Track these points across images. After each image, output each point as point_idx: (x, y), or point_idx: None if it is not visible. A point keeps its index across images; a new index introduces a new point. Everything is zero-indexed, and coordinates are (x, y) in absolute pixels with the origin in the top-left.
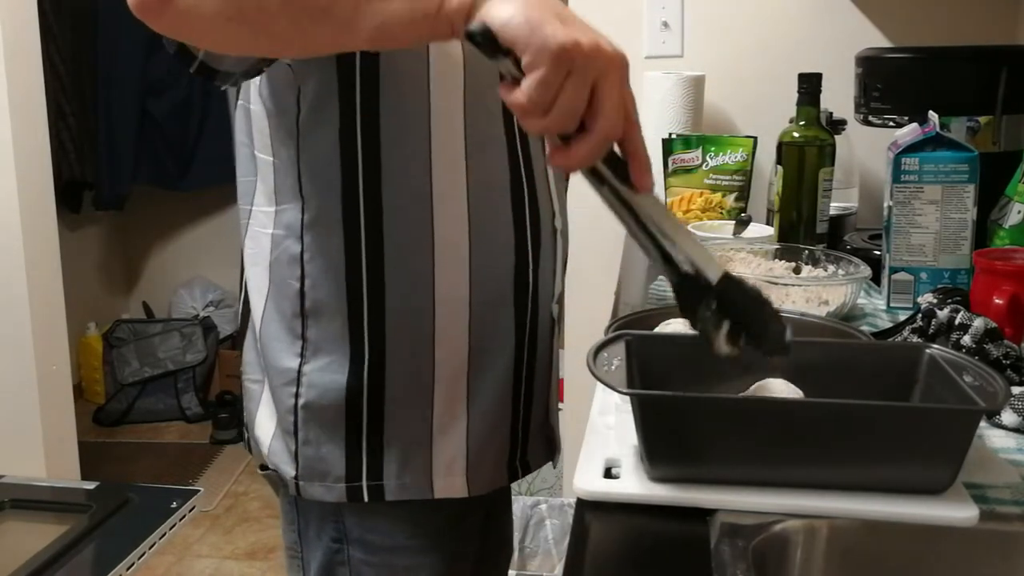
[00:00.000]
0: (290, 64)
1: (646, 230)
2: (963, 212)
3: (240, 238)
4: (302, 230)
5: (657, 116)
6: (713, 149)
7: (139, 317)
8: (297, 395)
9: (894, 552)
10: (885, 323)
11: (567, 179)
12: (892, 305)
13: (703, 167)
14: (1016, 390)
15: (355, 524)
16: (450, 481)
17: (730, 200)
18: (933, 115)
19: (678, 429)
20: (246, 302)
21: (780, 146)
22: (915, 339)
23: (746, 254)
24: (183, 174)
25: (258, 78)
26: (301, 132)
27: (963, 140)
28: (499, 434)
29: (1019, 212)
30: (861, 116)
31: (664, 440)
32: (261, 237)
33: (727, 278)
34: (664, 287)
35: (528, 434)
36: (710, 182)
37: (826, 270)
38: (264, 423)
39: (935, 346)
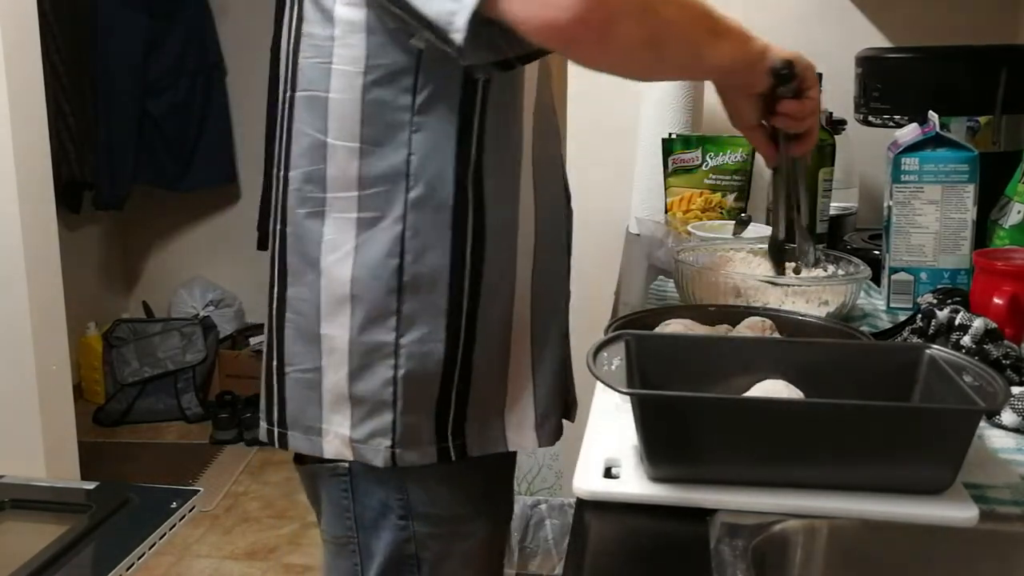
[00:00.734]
0: (420, 58)
1: (789, 195)
2: (963, 212)
3: (277, 231)
4: (405, 209)
5: (657, 116)
6: (713, 149)
7: (139, 317)
8: (396, 366)
9: (894, 552)
10: (885, 323)
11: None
12: (892, 305)
13: (703, 167)
14: (1016, 390)
15: (419, 498)
16: (522, 435)
17: (730, 200)
18: (933, 115)
19: (678, 429)
20: (284, 298)
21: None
22: (915, 339)
23: (746, 254)
24: (183, 174)
25: (372, 69)
26: (416, 119)
27: (963, 140)
28: (557, 394)
29: (1019, 212)
30: (861, 116)
31: (664, 440)
32: (342, 222)
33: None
34: (664, 287)
35: (570, 397)
36: (710, 182)
37: (826, 270)
38: (330, 409)
39: (935, 346)
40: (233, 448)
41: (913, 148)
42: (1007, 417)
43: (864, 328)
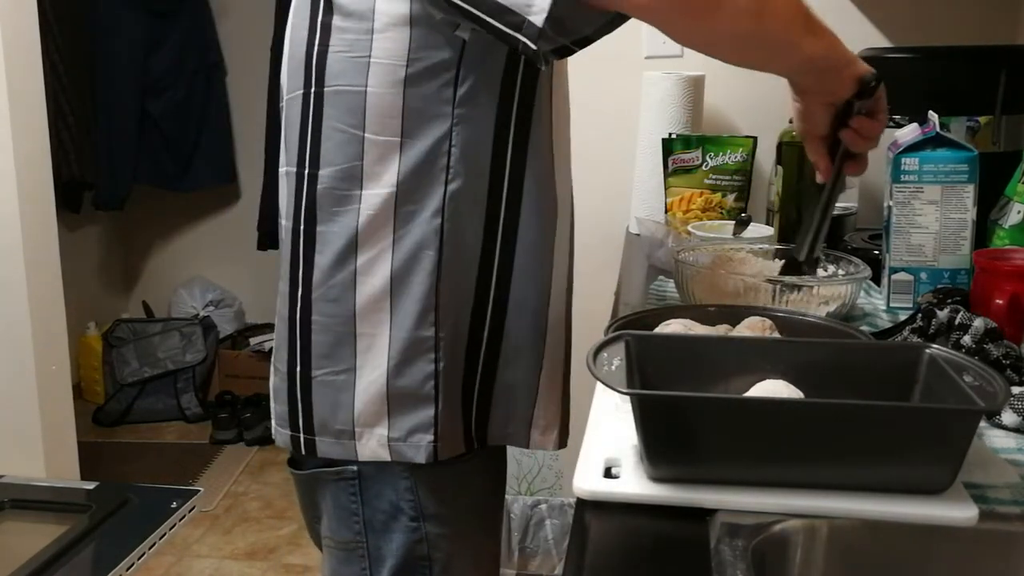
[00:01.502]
0: (463, 50)
1: (825, 212)
2: (963, 212)
3: (301, 231)
4: (444, 202)
5: (657, 116)
6: (713, 149)
7: (139, 317)
8: (436, 360)
9: (894, 552)
10: (885, 323)
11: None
12: (892, 305)
13: (703, 167)
14: (1016, 390)
15: (430, 499)
16: (547, 436)
17: (730, 200)
18: (933, 115)
19: (678, 429)
20: (309, 299)
21: (780, 146)
22: (915, 339)
23: (746, 254)
24: (183, 174)
25: (414, 62)
26: (457, 112)
27: (963, 140)
28: (565, 395)
29: (1019, 212)
30: None
31: (664, 440)
32: (379, 217)
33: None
34: (664, 287)
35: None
36: (710, 182)
37: (826, 270)
38: (364, 410)
39: (935, 346)
40: (233, 448)
41: (913, 148)
42: (1007, 417)
43: (864, 328)
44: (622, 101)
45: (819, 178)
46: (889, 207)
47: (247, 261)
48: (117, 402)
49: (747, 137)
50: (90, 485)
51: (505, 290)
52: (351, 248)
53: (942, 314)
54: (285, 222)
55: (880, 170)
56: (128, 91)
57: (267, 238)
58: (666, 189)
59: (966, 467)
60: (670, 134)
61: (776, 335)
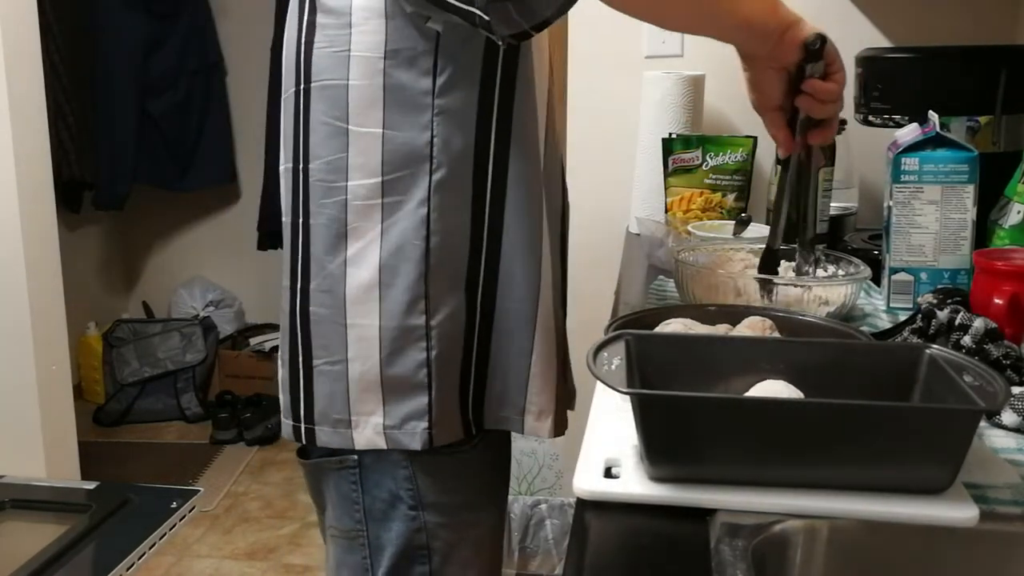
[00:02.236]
0: (439, 41)
1: (805, 191)
2: (963, 212)
3: (299, 224)
4: (429, 192)
5: (657, 116)
6: (713, 149)
7: (139, 317)
8: (428, 348)
9: (894, 552)
10: (885, 323)
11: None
12: (892, 305)
13: (703, 167)
14: (1016, 390)
15: (429, 487)
16: (541, 422)
17: (730, 200)
18: (933, 115)
19: (678, 429)
20: (307, 291)
21: None
22: (915, 339)
23: (746, 254)
24: (183, 174)
25: (392, 54)
26: (437, 102)
27: (963, 140)
28: (565, 383)
29: (1019, 212)
30: (861, 116)
31: (664, 440)
32: (366, 208)
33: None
34: (664, 287)
35: (570, 386)
36: (710, 182)
37: (826, 270)
38: (359, 399)
39: (935, 346)
40: (233, 448)
41: (913, 148)
42: (1007, 417)
43: (864, 328)
44: (622, 101)
45: (780, 153)
46: (889, 207)
47: (247, 261)
48: (117, 402)
49: (747, 137)
50: (90, 485)
51: (494, 277)
52: (341, 239)
53: (942, 314)
54: (284, 218)
55: (880, 170)
56: (128, 91)
57: (267, 238)
58: (666, 189)
59: (966, 467)
60: (670, 134)
61: (776, 335)
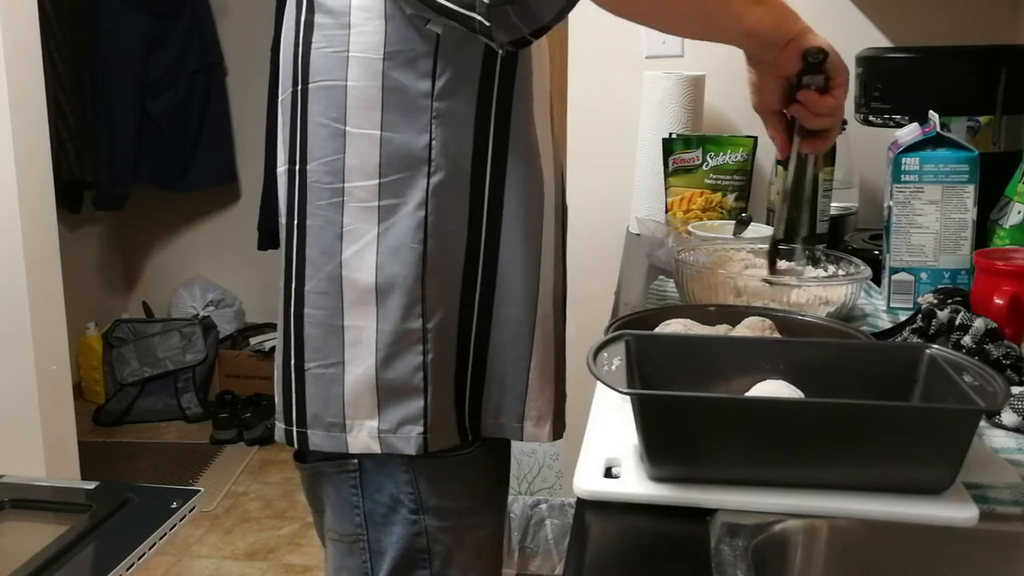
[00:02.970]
0: (438, 43)
1: (799, 193)
2: (963, 212)
3: (295, 226)
4: (427, 195)
5: (657, 116)
6: (713, 149)
7: (139, 317)
8: (425, 352)
9: (894, 552)
10: (885, 323)
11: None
12: (892, 305)
13: (703, 167)
14: (1016, 390)
15: (429, 491)
16: (540, 428)
17: (730, 200)
18: (933, 115)
19: (678, 429)
20: (302, 293)
21: None
22: (915, 339)
23: (746, 254)
24: (183, 174)
25: (391, 55)
26: (436, 105)
27: (963, 140)
28: (560, 389)
29: (1019, 212)
30: (861, 116)
31: (664, 440)
32: (363, 211)
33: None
34: (664, 287)
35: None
36: (710, 182)
37: (826, 270)
38: (354, 402)
39: (935, 346)
40: (233, 448)
41: (913, 148)
42: (1007, 417)
43: (864, 328)
44: (622, 101)
45: (777, 154)
46: (889, 207)
47: (247, 261)
48: (117, 402)
49: (747, 137)
50: (90, 485)
51: (492, 281)
52: (337, 241)
53: (942, 314)
54: (281, 219)
55: (880, 170)
56: (128, 91)
57: (267, 238)
58: (666, 189)
59: (966, 467)
60: (670, 134)
61: (776, 335)
